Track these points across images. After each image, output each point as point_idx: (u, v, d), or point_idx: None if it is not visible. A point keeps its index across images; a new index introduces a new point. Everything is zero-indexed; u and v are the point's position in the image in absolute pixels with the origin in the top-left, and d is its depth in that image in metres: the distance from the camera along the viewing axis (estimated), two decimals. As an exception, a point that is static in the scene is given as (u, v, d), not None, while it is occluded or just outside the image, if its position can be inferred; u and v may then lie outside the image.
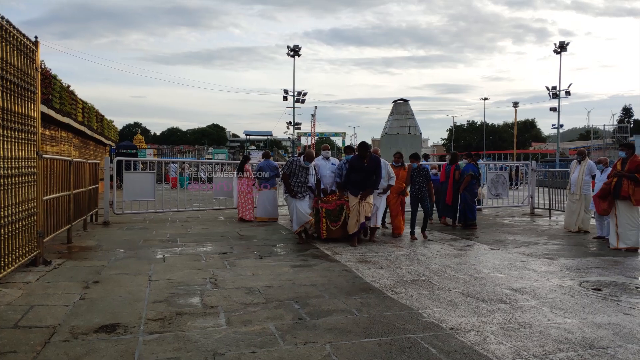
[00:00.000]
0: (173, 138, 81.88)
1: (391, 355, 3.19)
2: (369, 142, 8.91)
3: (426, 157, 20.57)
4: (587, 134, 55.71)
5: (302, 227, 7.67)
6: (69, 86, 14.05)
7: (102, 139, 21.34)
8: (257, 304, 4.34)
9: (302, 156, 7.74)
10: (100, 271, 5.53)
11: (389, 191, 8.33)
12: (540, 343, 3.42)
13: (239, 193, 10.47)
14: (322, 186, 8.19)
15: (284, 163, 9.28)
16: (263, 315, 4.02)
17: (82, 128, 16.16)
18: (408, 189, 8.66)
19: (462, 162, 10.36)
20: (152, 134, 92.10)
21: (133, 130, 65.38)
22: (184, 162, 22.11)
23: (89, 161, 9.32)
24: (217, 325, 3.76)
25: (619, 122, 54.48)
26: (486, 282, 5.23)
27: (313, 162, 7.83)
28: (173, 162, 23.67)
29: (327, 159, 8.56)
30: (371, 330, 3.66)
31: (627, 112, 62.82)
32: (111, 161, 10.66)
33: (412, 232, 8.25)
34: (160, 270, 5.69)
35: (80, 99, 16.06)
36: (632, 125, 53.87)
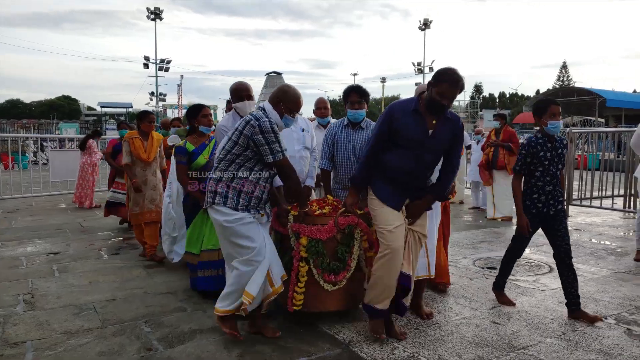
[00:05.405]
0: (14, 112, 70.39)
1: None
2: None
3: None
4: (444, 108, 60.85)
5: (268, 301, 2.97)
6: None
7: None
8: (88, 331, 3.11)
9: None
10: None
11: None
12: (456, 350, 2.81)
13: (80, 174, 8.58)
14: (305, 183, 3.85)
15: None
16: (94, 350, 2.83)
17: None
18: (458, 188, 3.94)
19: None
20: (-14, 106, 78.26)
21: (-40, 101, 54.35)
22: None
23: None
24: (16, 377, 2.49)
25: (471, 97, 60.33)
26: (379, 269, 4.61)
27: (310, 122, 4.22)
28: None
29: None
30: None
31: (477, 89, 70.01)
32: None
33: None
34: (-51, 287, 4.04)
35: None
36: (481, 101, 60.12)
